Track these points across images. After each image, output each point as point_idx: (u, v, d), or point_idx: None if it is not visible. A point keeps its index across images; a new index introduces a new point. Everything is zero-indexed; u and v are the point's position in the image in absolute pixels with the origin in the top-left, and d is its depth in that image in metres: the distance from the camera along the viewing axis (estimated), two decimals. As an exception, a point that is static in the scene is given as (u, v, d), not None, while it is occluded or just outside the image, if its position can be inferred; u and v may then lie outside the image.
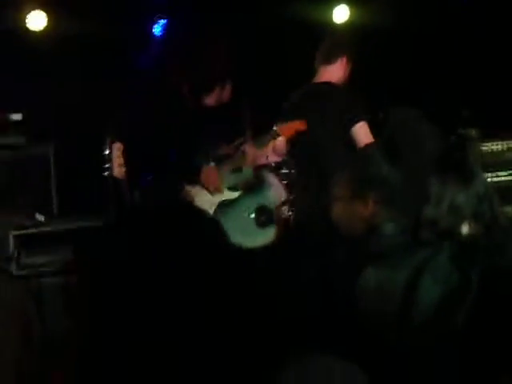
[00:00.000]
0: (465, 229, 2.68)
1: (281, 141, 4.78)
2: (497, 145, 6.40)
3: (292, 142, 4.77)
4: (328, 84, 4.75)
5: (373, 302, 2.01)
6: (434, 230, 2.69)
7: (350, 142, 4.52)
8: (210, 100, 5.13)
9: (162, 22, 6.44)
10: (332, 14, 7.29)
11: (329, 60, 4.78)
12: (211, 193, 4.82)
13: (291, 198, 5.03)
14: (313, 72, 4.89)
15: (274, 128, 4.68)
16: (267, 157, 4.94)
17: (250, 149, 4.87)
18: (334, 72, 4.79)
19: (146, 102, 4.80)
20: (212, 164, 4.86)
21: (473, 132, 6.40)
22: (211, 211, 4.76)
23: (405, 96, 6.08)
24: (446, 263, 2.13)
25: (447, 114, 6.74)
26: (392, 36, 7.06)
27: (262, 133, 4.81)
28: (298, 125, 4.61)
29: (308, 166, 4.76)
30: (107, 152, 4.49)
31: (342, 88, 4.73)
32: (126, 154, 4.49)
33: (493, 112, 6.39)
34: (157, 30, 6.41)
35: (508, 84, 5.76)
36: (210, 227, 1.39)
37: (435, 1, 6.95)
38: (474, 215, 2.67)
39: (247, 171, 5.02)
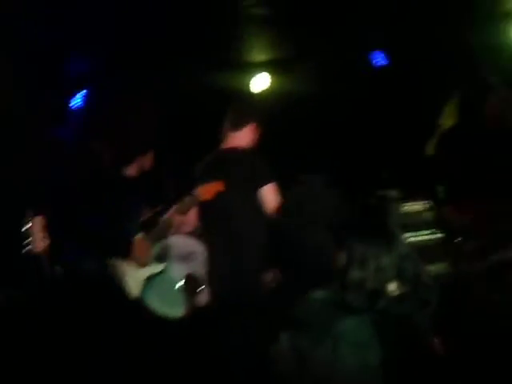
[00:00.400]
0: (391, 287, 2.72)
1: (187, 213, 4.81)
2: (416, 205, 6.56)
3: (202, 207, 4.78)
4: (236, 149, 4.82)
5: (290, 369, 2.01)
6: (361, 292, 2.71)
7: (259, 205, 4.57)
8: (132, 170, 5.15)
9: (82, 93, 6.45)
10: (250, 82, 7.45)
11: (237, 126, 4.85)
12: (140, 266, 4.78)
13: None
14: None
15: (193, 193, 4.70)
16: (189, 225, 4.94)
17: (174, 217, 4.86)
18: (242, 138, 4.86)
19: (67, 173, 4.77)
20: (140, 235, 4.82)
21: (393, 193, 6.56)
22: (140, 286, 4.71)
23: (315, 161, 6.26)
24: (366, 330, 2.15)
25: (367, 176, 6.92)
26: (311, 101, 7.24)
27: (182, 199, 4.80)
28: (217, 186, 4.66)
29: (219, 229, 4.76)
30: (27, 226, 4.40)
31: (250, 153, 4.80)
32: (48, 227, 4.40)
33: (411, 173, 6.56)
34: (76, 101, 6.41)
35: (425, 145, 5.92)
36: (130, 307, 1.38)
37: (352, 67, 7.15)
38: (399, 275, 2.71)
39: (174, 240, 5.02)
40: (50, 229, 4.41)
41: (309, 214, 2.31)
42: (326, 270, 2.33)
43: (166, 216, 4.94)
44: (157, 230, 4.89)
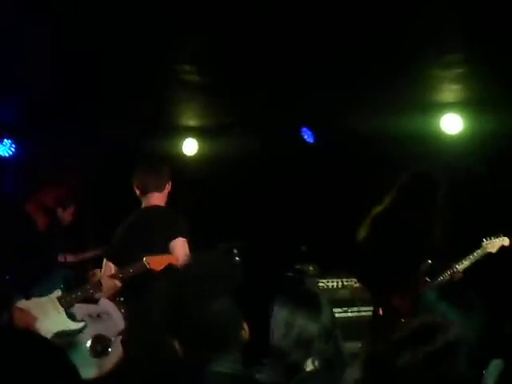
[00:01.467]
0: (309, 365, 2.69)
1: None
2: (332, 282, 6.63)
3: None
4: (157, 207, 5.02)
5: None
6: (281, 363, 2.70)
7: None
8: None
9: (7, 142, 6.37)
10: (182, 146, 7.51)
11: (159, 188, 5.04)
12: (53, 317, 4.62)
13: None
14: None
15: (144, 259, 4.65)
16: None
17: (105, 279, 4.77)
18: (161, 197, 5.08)
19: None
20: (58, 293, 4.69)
21: (310, 268, 6.62)
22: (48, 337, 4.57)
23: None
24: None
25: (285, 249, 6.97)
26: (238, 168, 7.32)
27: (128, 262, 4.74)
28: (171, 259, 4.66)
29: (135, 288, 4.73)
30: None
31: (167, 210, 5.03)
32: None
33: (329, 249, 6.65)
34: (1, 150, 6.31)
35: (344, 223, 6.02)
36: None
37: (281, 139, 7.26)
38: (321, 351, 2.69)
39: (106, 304, 4.97)
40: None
41: (208, 282, 2.28)
42: (228, 341, 2.29)
43: (97, 278, 4.85)
44: (84, 289, 4.77)
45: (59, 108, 6.03)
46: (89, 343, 4.90)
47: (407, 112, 6.44)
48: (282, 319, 2.74)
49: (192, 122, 7.43)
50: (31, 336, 1.45)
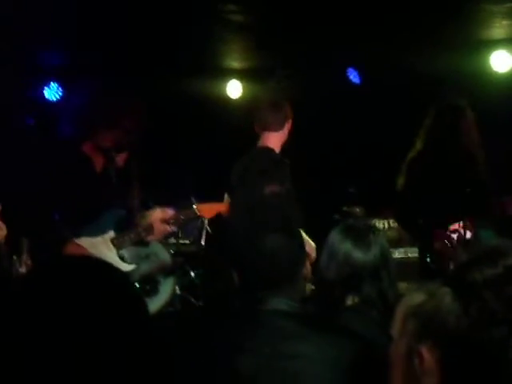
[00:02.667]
0: (348, 301, 2.68)
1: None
2: (379, 223, 6.60)
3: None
4: (263, 151, 4.84)
5: None
6: (324, 298, 2.69)
7: None
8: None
9: (54, 85, 6.40)
10: (226, 89, 7.47)
11: (279, 126, 4.87)
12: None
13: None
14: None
15: (194, 206, 4.62)
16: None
17: (157, 224, 4.76)
18: (278, 137, 4.91)
19: (32, 162, 4.69)
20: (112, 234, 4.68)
21: (357, 210, 6.59)
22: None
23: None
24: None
25: (332, 191, 6.95)
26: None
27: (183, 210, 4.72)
28: (220, 207, 4.66)
29: None
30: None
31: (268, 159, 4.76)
32: (7, 215, 4.33)
33: (376, 191, 6.59)
34: (49, 93, 6.36)
35: (390, 164, 5.96)
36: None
37: (326, 81, 7.19)
38: (363, 289, 2.64)
39: (154, 246, 5.00)
40: (8, 216, 4.32)
41: (258, 218, 2.25)
42: (284, 277, 2.27)
43: (149, 218, 4.84)
44: (135, 232, 4.76)
45: (104, 55, 6.04)
46: (137, 284, 4.98)
47: (457, 49, 6.29)
48: (328, 248, 2.72)
49: (236, 64, 7.36)
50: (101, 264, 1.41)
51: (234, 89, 7.47)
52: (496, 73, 6.58)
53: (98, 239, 4.63)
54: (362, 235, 2.71)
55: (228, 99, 7.52)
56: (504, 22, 6.01)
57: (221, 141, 7.20)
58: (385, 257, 2.71)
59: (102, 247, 4.62)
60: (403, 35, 6.04)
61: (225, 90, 7.50)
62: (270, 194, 2.40)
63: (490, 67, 6.57)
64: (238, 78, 7.44)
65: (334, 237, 2.74)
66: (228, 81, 7.47)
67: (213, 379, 2.11)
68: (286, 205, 2.36)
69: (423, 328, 1.31)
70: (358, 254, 2.65)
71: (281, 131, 4.93)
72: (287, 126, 4.94)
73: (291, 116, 4.97)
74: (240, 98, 7.51)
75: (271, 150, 4.86)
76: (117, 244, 4.66)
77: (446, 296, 1.29)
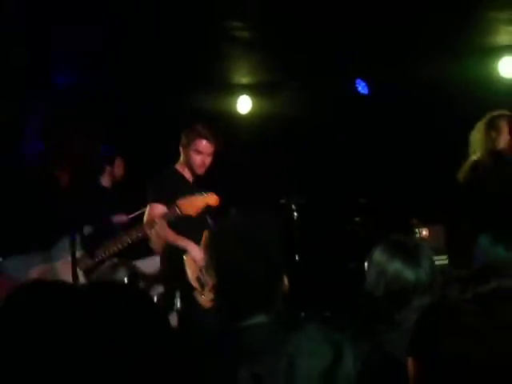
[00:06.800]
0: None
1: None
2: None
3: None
4: None
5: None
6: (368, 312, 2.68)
7: None
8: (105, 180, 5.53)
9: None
10: (236, 104, 7.51)
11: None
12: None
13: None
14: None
15: (178, 202, 4.56)
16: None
17: (158, 219, 4.68)
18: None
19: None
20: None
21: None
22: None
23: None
24: (316, 338, 2.09)
25: (343, 202, 6.94)
26: (293, 124, 7.30)
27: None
28: (199, 201, 4.63)
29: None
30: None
31: None
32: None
33: (387, 201, 6.59)
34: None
35: (401, 175, 5.98)
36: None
37: (335, 93, 7.19)
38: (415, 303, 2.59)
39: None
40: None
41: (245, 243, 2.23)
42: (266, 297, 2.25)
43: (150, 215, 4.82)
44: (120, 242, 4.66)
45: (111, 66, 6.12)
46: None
47: (464, 56, 6.31)
48: (376, 267, 2.67)
49: (245, 80, 7.41)
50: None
51: (244, 104, 7.51)
52: (504, 78, 6.60)
53: (58, 264, 4.53)
54: (410, 253, 2.65)
55: (238, 114, 7.55)
56: (510, 29, 6.02)
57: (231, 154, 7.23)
58: (433, 271, 2.67)
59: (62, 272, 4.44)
60: (411, 45, 6.07)
61: (235, 106, 7.53)
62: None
63: (497, 73, 6.59)
64: (247, 94, 7.48)
65: (381, 255, 2.69)
66: (238, 96, 7.51)
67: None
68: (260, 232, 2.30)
69: None
70: (409, 274, 2.62)
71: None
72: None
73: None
74: (249, 113, 7.55)
75: None
76: (88, 265, 4.52)
77: None
